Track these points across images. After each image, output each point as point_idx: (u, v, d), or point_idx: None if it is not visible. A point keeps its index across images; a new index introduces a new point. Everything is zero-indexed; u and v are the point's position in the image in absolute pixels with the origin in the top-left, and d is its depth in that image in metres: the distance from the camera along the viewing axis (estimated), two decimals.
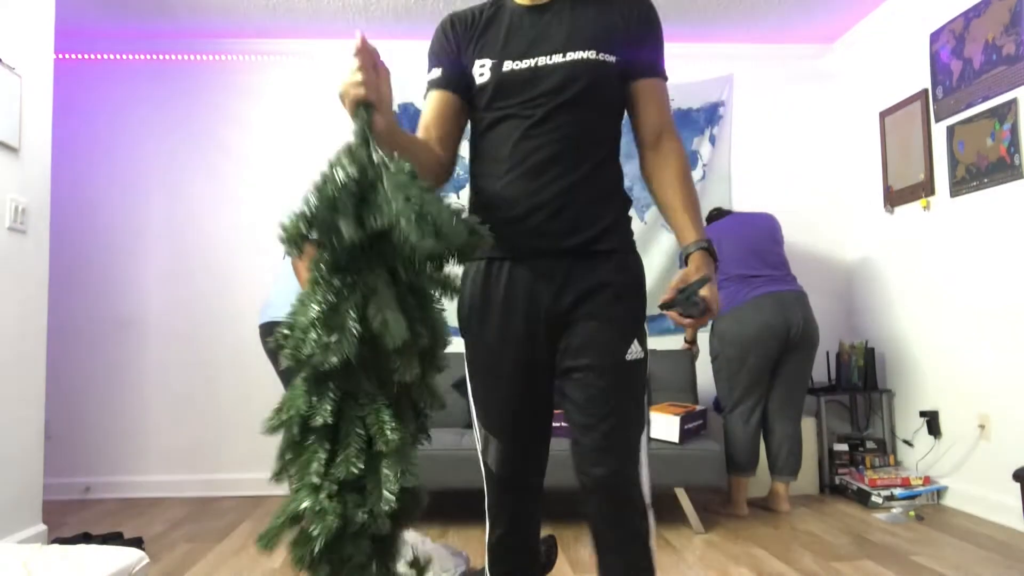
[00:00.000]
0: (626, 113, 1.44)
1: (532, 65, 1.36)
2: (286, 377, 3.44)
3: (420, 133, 1.42)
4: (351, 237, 1.03)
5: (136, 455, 3.86)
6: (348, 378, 1.04)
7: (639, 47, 1.40)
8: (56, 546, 2.44)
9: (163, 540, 2.95)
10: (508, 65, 1.37)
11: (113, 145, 3.98)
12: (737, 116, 4.17)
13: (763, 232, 3.40)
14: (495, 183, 1.38)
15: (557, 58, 1.35)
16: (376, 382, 1.05)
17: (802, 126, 4.21)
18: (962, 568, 2.46)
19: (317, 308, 1.03)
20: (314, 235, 1.05)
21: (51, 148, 2.92)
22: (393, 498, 1.01)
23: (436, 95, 1.43)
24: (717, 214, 3.66)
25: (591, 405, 1.33)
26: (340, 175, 1.06)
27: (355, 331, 1.01)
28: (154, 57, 4.02)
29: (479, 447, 1.47)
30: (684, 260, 1.33)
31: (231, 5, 3.65)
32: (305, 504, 1.01)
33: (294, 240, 1.04)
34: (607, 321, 1.34)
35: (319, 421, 1.03)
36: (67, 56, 3.90)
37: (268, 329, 3.31)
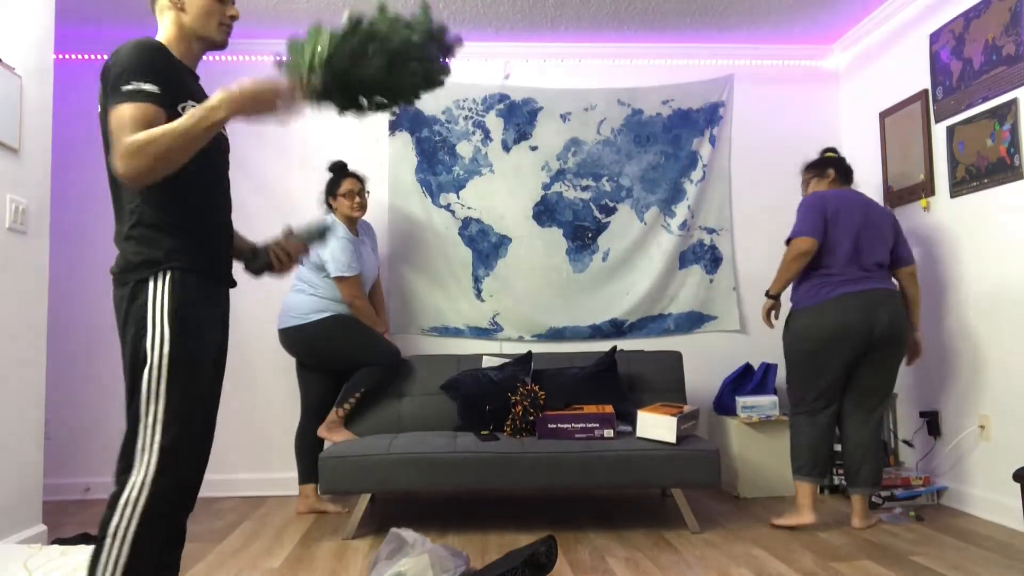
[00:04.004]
0: None
1: None
2: (301, 376, 3.48)
3: None
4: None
5: None
6: None
7: None
8: (56, 546, 2.44)
9: None
10: None
11: None
12: (737, 116, 4.17)
13: (875, 234, 3.00)
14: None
15: None
16: None
17: (802, 126, 4.21)
18: (962, 568, 2.46)
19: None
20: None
21: (51, 148, 2.92)
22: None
23: None
24: (835, 159, 3.24)
25: None
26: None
27: None
28: None
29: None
30: None
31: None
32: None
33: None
34: None
35: None
36: (67, 56, 3.91)
37: (286, 334, 3.39)
